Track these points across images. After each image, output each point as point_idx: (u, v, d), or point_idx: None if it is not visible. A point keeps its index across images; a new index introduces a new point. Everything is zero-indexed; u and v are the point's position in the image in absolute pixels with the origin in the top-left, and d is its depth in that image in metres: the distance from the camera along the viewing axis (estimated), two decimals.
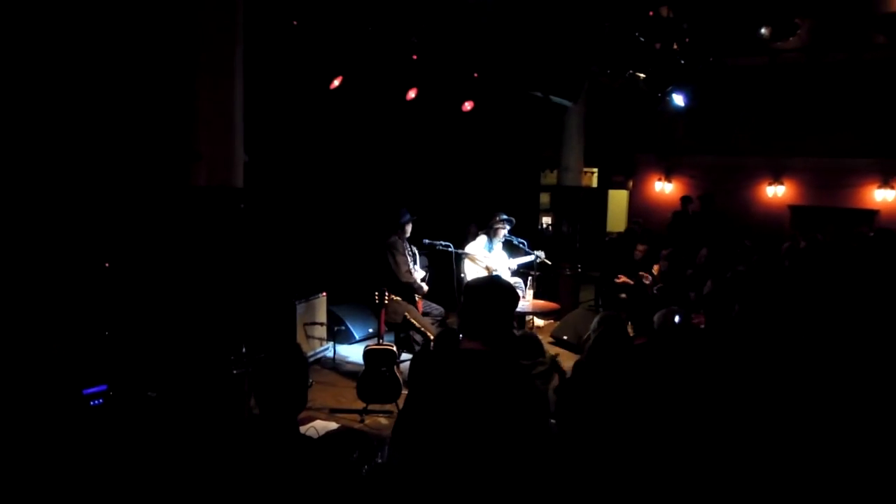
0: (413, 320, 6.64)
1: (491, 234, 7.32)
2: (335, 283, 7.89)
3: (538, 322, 8.98)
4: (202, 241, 5.10)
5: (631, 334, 4.68)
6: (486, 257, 7.30)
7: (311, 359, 7.21)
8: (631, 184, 13.48)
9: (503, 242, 7.45)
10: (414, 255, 7.02)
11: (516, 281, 7.41)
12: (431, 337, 6.50)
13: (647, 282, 7.56)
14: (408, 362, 6.89)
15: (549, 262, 7.67)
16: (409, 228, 6.85)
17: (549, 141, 10.45)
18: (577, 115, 9.95)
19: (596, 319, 4.21)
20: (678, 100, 8.16)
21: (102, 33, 4.86)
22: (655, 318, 4.55)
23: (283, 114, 7.38)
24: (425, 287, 6.93)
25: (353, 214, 8.45)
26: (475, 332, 2.63)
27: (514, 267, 7.55)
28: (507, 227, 7.29)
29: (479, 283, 2.75)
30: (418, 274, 6.98)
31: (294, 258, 7.67)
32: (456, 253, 7.00)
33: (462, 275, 7.16)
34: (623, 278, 8.05)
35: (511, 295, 2.70)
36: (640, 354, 4.15)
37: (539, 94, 7.84)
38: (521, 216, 8.16)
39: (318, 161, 8.02)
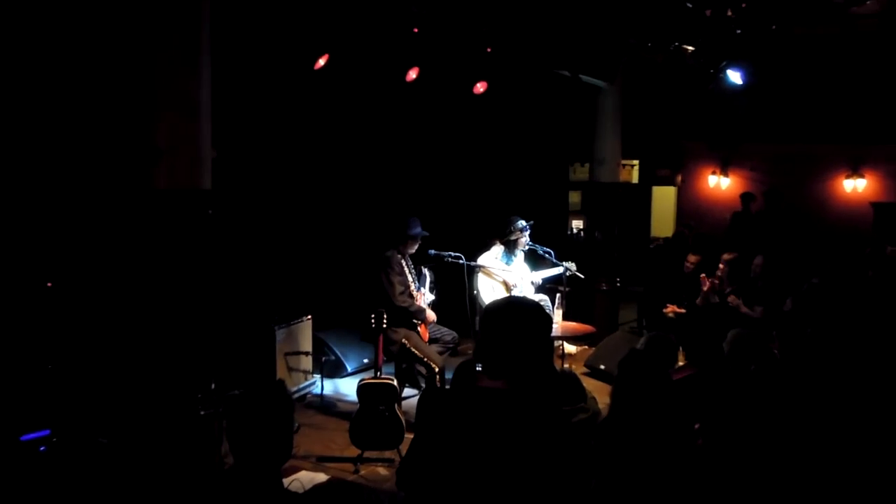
0: (413, 349, 6.67)
1: (512, 246, 7.41)
2: (323, 305, 7.95)
3: (569, 349, 8.98)
4: (163, 255, 5.12)
5: (681, 363, 4.79)
6: (504, 271, 7.38)
7: (295, 396, 7.23)
8: (679, 179, 13.53)
9: (525, 252, 7.54)
10: (418, 274, 7.09)
11: (542, 298, 7.44)
12: (436, 368, 6.57)
13: (706, 287, 7.58)
14: (412, 399, 6.94)
15: (581, 276, 7.70)
16: (414, 245, 6.90)
17: (580, 129, 10.54)
18: (612, 97, 10.06)
19: (642, 341, 4.14)
20: (734, 77, 8.23)
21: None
22: (728, 338, 4.53)
23: (260, 101, 7.43)
24: (431, 314, 6.97)
25: (344, 222, 8.54)
26: (497, 367, 2.60)
27: (539, 282, 7.59)
28: (527, 234, 7.37)
29: (501, 306, 2.72)
30: (425, 298, 7.02)
31: (274, 274, 7.74)
32: (468, 265, 7.07)
33: (475, 292, 7.24)
34: (673, 308, 8.09)
35: (541, 320, 2.67)
36: (686, 390, 4.14)
37: (567, 73, 7.90)
38: (545, 220, 8.51)
39: (302, 157, 8.10)
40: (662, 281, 8.49)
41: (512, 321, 2.62)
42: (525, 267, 7.59)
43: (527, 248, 7.45)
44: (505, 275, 7.38)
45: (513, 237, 7.35)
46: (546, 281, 7.69)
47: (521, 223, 7.35)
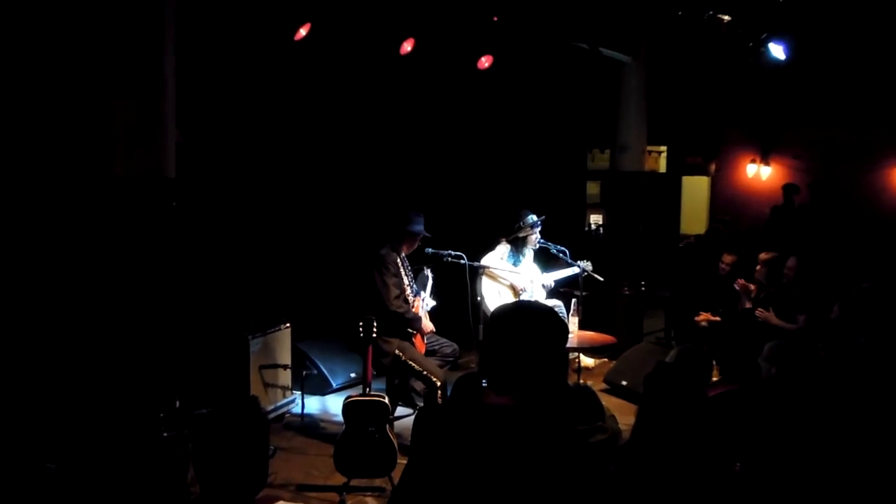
0: (409, 362, 6.71)
1: (520, 244, 7.43)
2: (304, 311, 7.96)
3: (586, 361, 8.97)
4: (119, 251, 5.10)
5: (715, 378, 4.78)
6: (512, 272, 7.42)
7: (272, 415, 7.23)
8: (713, 168, 13.53)
9: (535, 251, 7.58)
10: (417, 276, 7.13)
11: (555, 304, 7.49)
12: (438, 383, 6.59)
13: (742, 288, 7.61)
14: (406, 419, 6.91)
15: (600, 278, 7.72)
16: (413, 244, 6.94)
17: (599, 110, 10.50)
18: (637, 74, 10.06)
19: (671, 354, 4.15)
20: (776, 52, 8.22)
21: None
22: (765, 351, 4.55)
23: (234, 76, 7.43)
24: (428, 324, 7.01)
25: (330, 215, 8.52)
26: (503, 382, 2.62)
27: (551, 284, 7.63)
28: (538, 231, 7.40)
29: (508, 312, 2.74)
30: (424, 304, 7.04)
31: (247, 276, 7.72)
32: (470, 266, 7.09)
33: (478, 297, 7.28)
34: (705, 317, 8.06)
35: (555, 328, 2.68)
36: (721, 409, 4.14)
37: (585, 45, 7.89)
38: (560, 214, 8.14)
39: (283, 142, 8.10)
40: (694, 284, 8.52)
41: (521, 329, 2.64)
42: (535, 268, 7.60)
43: (537, 246, 7.47)
44: (512, 277, 7.41)
45: (521, 234, 7.36)
46: (559, 284, 7.71)
47: (532, 218, 7.36)
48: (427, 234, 6.88)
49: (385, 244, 6.83)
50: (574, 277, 7.56)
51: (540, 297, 7.45)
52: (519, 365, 2.60)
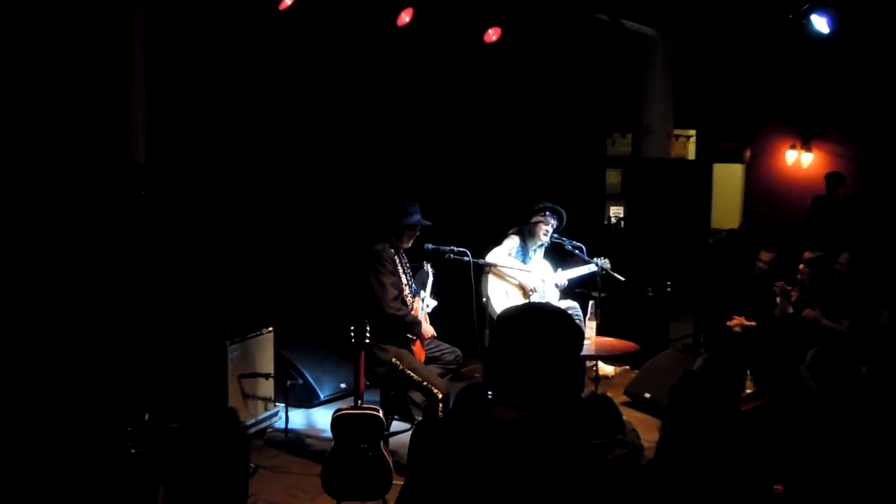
0: (408, 371, 6.70)
1: (527, 233, 7.48)
2: (288, 314, 7.97)
3: (606, 370, 8.94)
4: (81, 245, 5.10)
5: (749, 390, 4.81)
6: (521, 270, 7.45)
7: (252, 430, 7.23)
8: (748, 154, 13.38)
9: (547, 247, 7.60)
10: (413, 275, 7.12)
11: (570, 306, 7.51)
12: (440, 395, 6.58)
13: (781, 290, 7.61)
14: (403, 434, 6.93)
15: (621, 278, 7.74)
16: (411, 237, 6.92)
17: (621, 90, 10.47)
18: (663, 49, 10.08)
19: (699, 362, 4.17)
20: (819, 24, 8.23)
21: None
22: (808, 359, 4.58)
23: (210, 52, 7.41)
24: (429, 328, 7.00)
25: (318, 206, 8.50)
26: (511, 393, 2.64)
27: (565, 284, 7.67)
28: (553, 224, 7.45)
29: (517, 315, 2.75)
30: (425, 305, 7.07)
31: (225, 274, 7.71)
32: (474, 263, 7.10)
33: (484, 298, 7.31)
34: (739, 321, 8.05)
35: (569, 333, 2.69)
36: (756, 424, 4.16)
37: (604, 17, 7.92)
38: (576, 206, 8.14)
39: (264, 124, 8.07)
40: (726, 285, 8.51)
41: (531, 334, 2.65)
42: (547, 266, 7.64)
43: (549, 240, 7.50)
44: (521, 276, 7.45)
45: (533, 220, 7.42)
46: (574, 283, 7.73)
47: (548, 206, 7.41)
48: (426, 223, 6.86)
49: (380, 239, 6.82)
50: (590, 276, 7.59)
51: (553, 298, 7.47)
52: (528, 375, 2.61)
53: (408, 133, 9.41)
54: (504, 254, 7.45)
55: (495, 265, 7.35)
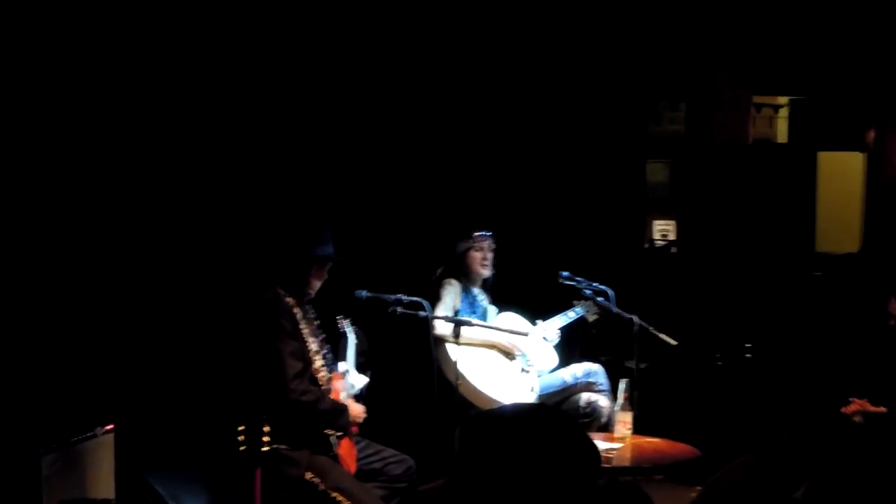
0: (333, 493, 5.83)
1: (460, 271, 7.04)
2: (138, 402, 6.88)
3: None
4: None
5: None
6: (480, 332, 6.79)
7: None
8: (872, 136, 11.90)
9: (488, 283, 7.17)
10: (325, 334, 6.39)
11: (589, 371, 6.99)
12: None
13: None
14: None
15: (671, 341, 6.80)
16: (319, 278, 6.15)
17: (667, 37, 9.24)
18: None
19: (804, 489, 4.17)
20: None
21: None
22: None
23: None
24: (357, 408, 6.13)
25: (179, 233, 7.47)
26: None
27: (555, 338, 7.11)
28: (490, 245, 7.04)
29: (497, 424, 2.76)
30: (347, 382, 6.29)
31: (41, 336, 6.75)
32: (433, 321, 6.46)
33: (453, 377, 6.52)
34: (861, 405, 6.88)
35: (577, 453, 2.64)
36: None
37: None
38: (599, 221, 8.44)
39: (110, 115, 7.14)
40: (839, 347, 7.39)
41: (519, 453, 2.60)
42: (511, 316, 7.15)
43: (487, 273, 7.07)
44: (489, 335, 6.88)
45: (459, 249, 7.00)
46: (564, 331, 7.13)
47: (473, 227, 7.09)
48: (338, 259, 6.17)
49: (272, 283, 6.05)
50: (579, 320, 7.13)
51: (545, 361, 6.93)
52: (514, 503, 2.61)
53: (317, 104, 8.43)
54: (450, 311, 6.87)
55: (438, 325, 6.55)
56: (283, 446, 5.63)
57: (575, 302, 7.05)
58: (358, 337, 6.49)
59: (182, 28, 7.19)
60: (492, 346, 6.92)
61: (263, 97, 8.34)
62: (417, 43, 8.67)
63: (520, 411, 2.86)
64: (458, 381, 6.43)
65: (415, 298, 6.25)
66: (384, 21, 8.32)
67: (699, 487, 6.61)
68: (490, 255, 7.02)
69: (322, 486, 5.78)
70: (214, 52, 7.85)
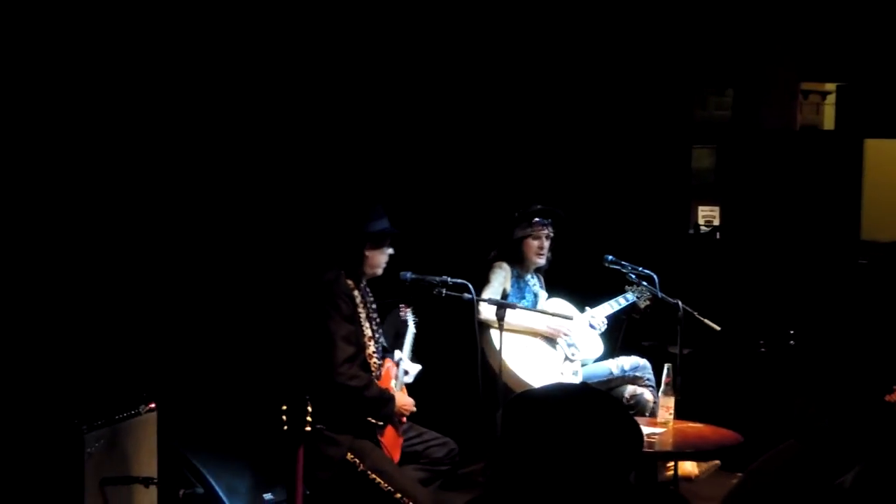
0: (372, 475, 5.86)
1: (513, 256, 6.95)
2: (181, 382, 6.89)
3: (688, 469, 7.62)
4: None
5: None
6: (524, 316, 6.72)
7: None
8: None
9: (544, 272, 7.19)
10: (381, 323, 6.34)
11: (636, 366, 6.98)
12: None
13: None
14: None
15: (715, 326, 6.90)
16: (379, 260, 6.09)
17: (714, 22, 9.36)
18: None
19: (852, 475, 4.07)
20: None
21: None
22: None
23: None
24: (407, 401, 6.13)
25: (226, 216, 7.53)
26: None
27: (603, 325, 7.08)
28: (549, 233, 6.96)
29: (540, 405, 2.68)
30: (400, 372, 6.27)
31: (83, 322, 6.75)
32: (476, 302, 6.34)
33: (495, 362, 6.47)
34: None
35: (621, 434, 2.59)
36: None
37: None
38: (642, 207, 8.32)
39: (145, 94, 7.19)
40: (885, 334, 7.40)
41: (563, 435, 2.58)
42: (561, 302, 7.06)
43: (544, 261, 6.98)
44: (532, 320, 6.78)
45: (517, 235, 6.90)
46: (613, 319, 7.10)
47: (534, 211, 6.92)
48: (393, 231, 6.11)
49: (332, 266, 6.02)
50: (631, 307, 7.10)
51: (592, 349, 6.94)
52: (556, 490, 2.55)
53: (364, 91, 8.43)
54: (497, 294, 6.73)
55: (485, 310, 6.50)
56: (325, 427, 5.50)
57: (627, 287, 7.02)
58: (414, 325, 6.48)
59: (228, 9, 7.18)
60: (535, 334, 6.84)
61: (315, 81, 8.32)
62: (471, 27, 8.72)
63: (567, 391, 2.91)
64: (501, 369, 6.39)
65: (459, 280, 6.21)
66: (436, 4, 8.33)
67: (740, 474, 6.84)
68: (547, 244, 6.93)
69: (361, 467, 5.81)
70: (259, 38, 7.92)
